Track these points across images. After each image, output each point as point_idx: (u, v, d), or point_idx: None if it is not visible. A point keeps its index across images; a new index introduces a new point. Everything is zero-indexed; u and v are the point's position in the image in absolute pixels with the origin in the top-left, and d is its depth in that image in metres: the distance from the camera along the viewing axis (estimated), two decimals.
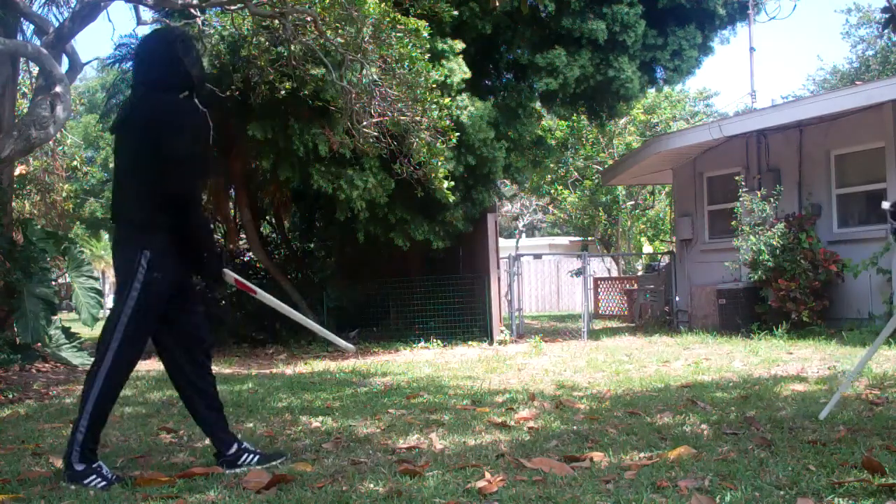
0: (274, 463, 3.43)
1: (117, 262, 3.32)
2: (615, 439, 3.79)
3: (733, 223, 10.65)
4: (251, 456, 3.43)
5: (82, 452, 3.15)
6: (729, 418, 4.28)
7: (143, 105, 3.31)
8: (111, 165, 3.67)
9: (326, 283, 12.26)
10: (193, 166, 3.24)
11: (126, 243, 3.28)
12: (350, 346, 4.01)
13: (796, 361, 6.92)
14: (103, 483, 3.10)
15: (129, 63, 11.70)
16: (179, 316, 3.41)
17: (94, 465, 3.16)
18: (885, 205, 3.60)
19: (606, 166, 18.77)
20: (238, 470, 3.34)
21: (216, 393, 3.53)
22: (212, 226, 3.52)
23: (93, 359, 3.30)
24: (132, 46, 11.51)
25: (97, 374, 3.18)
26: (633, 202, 23.43)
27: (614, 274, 22.16)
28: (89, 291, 8.91)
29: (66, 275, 9.08)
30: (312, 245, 13.76)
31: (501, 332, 11.33)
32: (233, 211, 12.66)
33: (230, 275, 3.54)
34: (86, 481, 3.09)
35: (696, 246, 12.26)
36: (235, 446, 3.45)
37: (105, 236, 31.66)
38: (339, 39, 7.42)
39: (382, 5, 7.48)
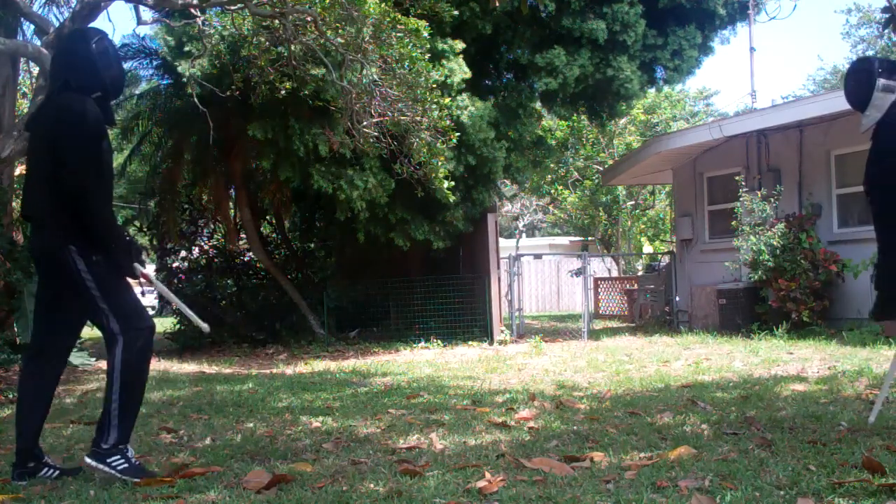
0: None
1: (50, 268, 3.28)
2: (615, 439, 3.79)
3: (733, 223, 10.65)
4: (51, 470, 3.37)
5: (114, 435, 3.16)
6: (729, 418, 4.28)
7: (50, 104, 3.36)
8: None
9: (326, 283, 12.27)
10: (85, 167, 3.21)
11: (51, 247, 3.25)
12: (205, 326, 3.91)
13: (796, 361, 6.92)
14: (125, 465, 3.12)
15: (130, 62, 11.71)
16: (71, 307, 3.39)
17: (119, 447, 3.17)
18: None
19: (606, 166, 18.78)
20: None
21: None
22: (115, 220, 3.45)
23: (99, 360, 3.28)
24: (132, 46, 11.51)
25: (115, 360, 3.19)
26: (633, 202, 23.43)
27: (614, 274, 22.15)
28: None
29: None
30: (312, 245, 13.76)
31: (501, 332, 11.33)
32: (233, 211, 12.66)
33: (139, 270, 3.48)
34: (109, 459, 3.11)
35: (696, 246, 12.26)
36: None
37: None
38: (339, 39, 7.41)
39: (382, 5, 7.48)
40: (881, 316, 3.77)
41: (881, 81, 3.69)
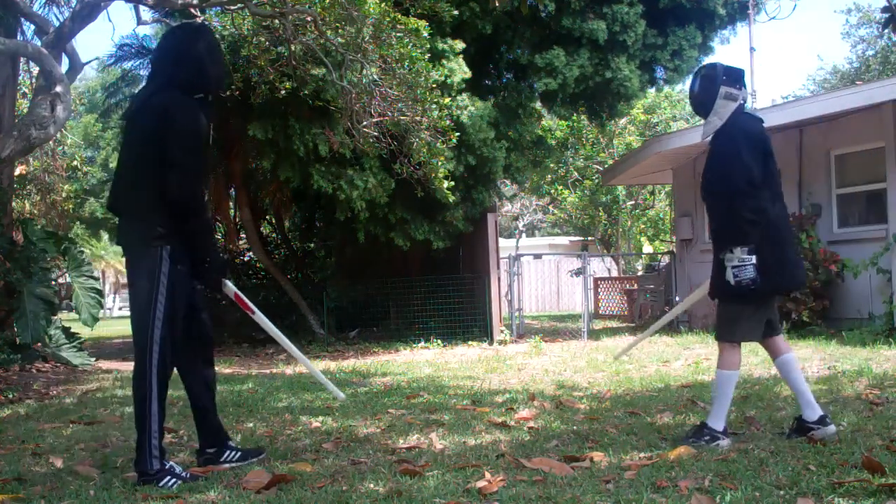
0: (252, 460, 3.46)
1: (136, 261, 3.22)
2: (615, 439, 3.79)
3: None
4: (233, 453, 3.48)
5: (159, 455, 3.13)
6: (729, 418, 4.28)
7: (154, 101, 3.25)
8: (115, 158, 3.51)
9: (326, 283, 12.27)
10: (193, 173, 3.17)
11: (143, 243, 3.20)
12: (341, 394, 4.08)
13: None
14: (176, 482, 3.08)
15: (130, 62, 11.70)
16: (191, 315, 3.39)
17: (167, 466, 3.15)
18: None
19: (606, 166, 18.77)
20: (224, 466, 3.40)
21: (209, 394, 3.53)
22: (214, 232, 3.42)
23: (133, 364, 3.24)
24: (132, 46, 11.51)
25: (150, 380, 3.12)
26: (633, 202, 23.43)
27: (614, 274, 22.15)
28: (89, 291, 8.90)
29: (66, 275, 9.08)
30: (312, 245, 13.77)
31: (501, 332, 11.33)
32: (233, 211, 12.66)
33: (230, 287, 3.50)
34: (161, 483, 3.08)
35: (696, 246, 12.26)
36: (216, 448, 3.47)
37: (105, 236, 31.43)
38: (339, 39, 7.41)
39: (382, 5, 7.48)
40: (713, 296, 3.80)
41: (723, 89, 3.62)
